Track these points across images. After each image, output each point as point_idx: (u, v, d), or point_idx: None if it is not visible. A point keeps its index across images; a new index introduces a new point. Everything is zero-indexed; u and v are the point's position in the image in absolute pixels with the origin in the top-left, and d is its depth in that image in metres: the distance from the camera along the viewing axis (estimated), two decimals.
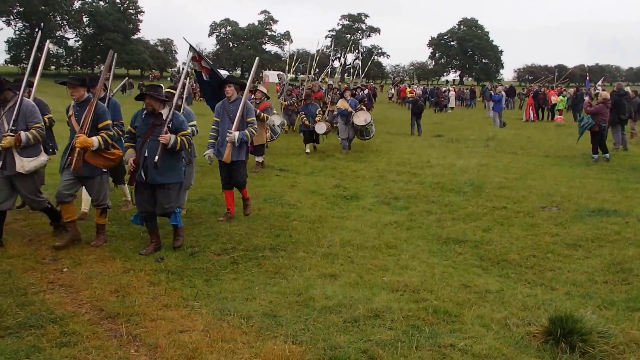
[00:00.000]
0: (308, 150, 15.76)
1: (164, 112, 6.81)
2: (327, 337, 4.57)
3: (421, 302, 5.32)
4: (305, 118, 15.68)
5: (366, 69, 25.29)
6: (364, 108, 15.41)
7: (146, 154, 6.66)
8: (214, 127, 8.41)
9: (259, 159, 12.86)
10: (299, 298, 5.39)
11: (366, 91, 25.79)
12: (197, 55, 9.60)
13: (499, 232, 7.85)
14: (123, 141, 7.22)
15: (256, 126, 8.47)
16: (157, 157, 6.50)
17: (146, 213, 6.85)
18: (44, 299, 5.24)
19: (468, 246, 7.26)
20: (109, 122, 6.96)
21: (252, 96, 15.28)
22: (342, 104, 15.66)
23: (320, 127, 15.65)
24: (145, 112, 6.81)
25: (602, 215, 8.58)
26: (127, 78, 18.74)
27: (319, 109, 16.20)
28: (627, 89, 19.13)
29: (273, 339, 4.55)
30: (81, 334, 4.55)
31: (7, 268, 6.01)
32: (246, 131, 8.17)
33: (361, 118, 15.21)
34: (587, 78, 46.62)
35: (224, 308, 5.13)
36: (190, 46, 9.24)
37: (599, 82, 44.77)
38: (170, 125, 6.72)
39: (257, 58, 9.88)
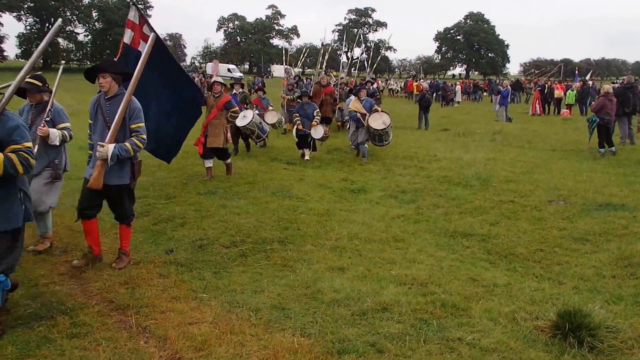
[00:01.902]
0: (307, 158, 13.43)
1: None
2: (335, 330, 4.59)
3: (429, 295, 5.33)
4: (299, 120, 13.26)
5: (375, 64, 24.49)
6: (379, 109, 13.25)
7: None
8: (89, 132, 5.99)
9: (227, 161, 10.99)
10: (307, 291, 5.41)
11: (375, 85, 24.08)
12: (139, 18, 8.16)
13: (506, 226, 7.85)
14: None
15: (145, 136, 5.85)
16: None
17: None
18: (54, 291, 5.28)
19: (475, 240, 7.27)
20: None
21: (234, 91, 14.21)
22: (354, 105, 13.33)
23: (317, 132, 13.33)
24: None
25: (610, 210, 8.56)
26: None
27: (317, 109, 13.77)
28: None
29: (281, 331, 4.58)
30: (91, 325, 4.59)
31: None
32: (127, 143, 5.68)
33: (379, 121, 12.89)
34: (577, 72, 46.48)
35: (233, 300, 5.16)
36: (133, 2, 8.04)
37: (587, 77, 44.70)
38: None
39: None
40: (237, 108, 10.94)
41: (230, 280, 5.67)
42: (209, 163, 10.76)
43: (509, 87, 28.44)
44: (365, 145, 13.46)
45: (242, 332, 4.54)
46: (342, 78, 23.77)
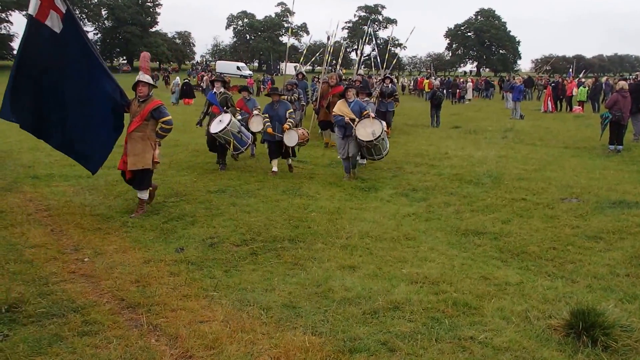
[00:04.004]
0: (275, 169, 11.17)
1: None
2: (346, 329, 4.56)
3: (440, 294, 5.29)
4: (269, 123, 11.05)
5: (395, 60, 23.62)
6: (372, 115, 10.55)
7: None
8: None
9: (143, 195, 8.15)
10: (318, 289, 5.39)
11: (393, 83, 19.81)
12: None
13: (519, 224, 7.78)
14: None
15: None
16: None
17: None
18: (65, 289, 5.29)
19: (487, 238, 7.21)
20: None
21: (214, 90, 11.93)
22: (340, 108, 10.63)
23: (290, 137, 11.02)
24: None
25: (623, 207, 8.48)
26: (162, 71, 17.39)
27: (291, 110, 11.41)
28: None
29: (292, 330, 4.56)
30: (102, 324, 4.59)
31: (30, 258, 6.08)
32: None
33: (367, 130, 10.31)
34: (570, 70, 46.17)
35: (244, 299, 5.14)
36: None
37: (581, 74, 44.53)
38: None
39: None
40: (169, 118, 8.13)
41: (240, 279, 5.66)
42: (142, 194, 8.18)
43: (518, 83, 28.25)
44: (358, 159, 11.19)
45: (253, 330, 4.52)
46: (359, 75, 22.69)
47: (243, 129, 11.36)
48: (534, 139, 17.24)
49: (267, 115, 11.18)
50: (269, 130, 10.98)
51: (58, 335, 4.37)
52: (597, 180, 10.55)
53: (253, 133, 11.90)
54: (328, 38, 21.99)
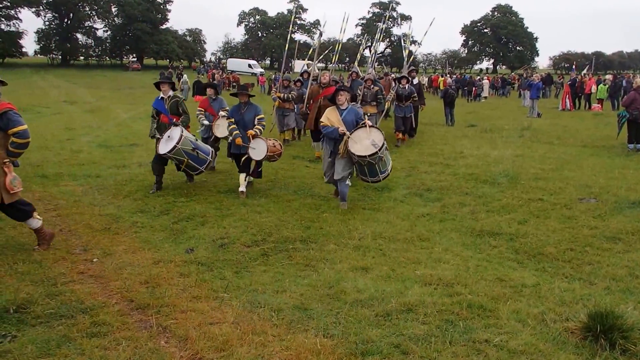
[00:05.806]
0: (243, 189, 9.15)
1: None
2: (358, 331, 4.50)
3: (455, 296, 5.21)
4: (237, 131, 9.19)
5: (412, 59, 23.13)
6: (368, 123, 8.44)
7: None
8: None
9: (31, 224, 6.41)
10: (330, 291, 5.32)
11: (416, 80, 18.26)
12: None
13: (535, 225, 7.67)
14: None
15: None
16: None
17: None
18: (74, 289, 5.27)
19: (503, 239, 7.11)
20: None
21: (161, 94, 9.52)
22: (329, 117, 8.49)
23: (258, 150, 9.14)
24: None
25: None
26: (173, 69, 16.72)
27: (261, 115, 9.37)
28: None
29: (304, 332, 4.50)
30: (111, 325, 4.56)
31: (38, 258, 6.07)
32: None
33: (365, 142, 8.25)
34: (574, 66, 45.82)
35: (254, 300, 5.09)
36: None
37: (584, 71, 44.16)
38: None
39: None
40: (23, 128, 5.97)
41: (251, 280, 5.61)
42: (31, 223, 6.43)
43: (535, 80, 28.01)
44: (347, 182, 8.63)
45: (264, 332, 4.47)
46: (369, 74, 21.94)
47: (199, 144, 9.49)
48: (551, 137, 17.08)
49: (232, 119, 9.36)
50: (238, 140, 9.13)
51: (66, 337, 4.35)
52: (616, 179, 10.40)
53: (218, 140, 10.70)
54: (320, 34, 21.67)
